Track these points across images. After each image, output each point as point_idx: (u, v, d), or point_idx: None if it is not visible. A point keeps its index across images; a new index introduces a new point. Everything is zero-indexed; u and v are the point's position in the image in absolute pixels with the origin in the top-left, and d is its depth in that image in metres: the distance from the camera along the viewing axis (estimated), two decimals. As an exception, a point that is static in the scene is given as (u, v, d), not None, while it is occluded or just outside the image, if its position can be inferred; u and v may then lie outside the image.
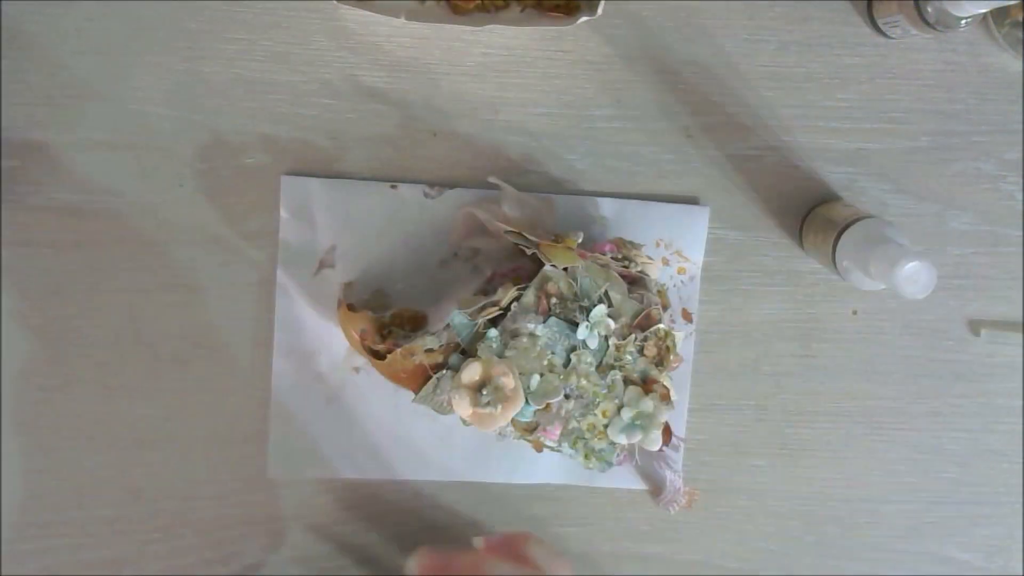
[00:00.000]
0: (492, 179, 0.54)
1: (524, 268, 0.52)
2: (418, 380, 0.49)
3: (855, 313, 0.58)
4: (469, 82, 0.55)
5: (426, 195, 0.55)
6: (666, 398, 0.50)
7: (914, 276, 0.44)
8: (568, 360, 0.49)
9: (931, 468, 0.59)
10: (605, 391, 0.49)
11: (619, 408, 0.49)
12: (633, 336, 0.50)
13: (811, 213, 0.56)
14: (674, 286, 0.57)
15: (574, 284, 0.49)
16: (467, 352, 0.49)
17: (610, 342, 0.49)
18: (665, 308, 0.53)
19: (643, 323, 0.50)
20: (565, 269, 0.49)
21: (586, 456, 0.50)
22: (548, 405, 0.49)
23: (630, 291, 0.51)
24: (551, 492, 0.57)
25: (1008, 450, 0.59)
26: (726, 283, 0.57)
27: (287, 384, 0.55)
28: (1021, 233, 0.58)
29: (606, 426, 0.49)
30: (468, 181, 0.55)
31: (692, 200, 0.57)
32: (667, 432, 0.51)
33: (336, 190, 0.54)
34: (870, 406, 0.58)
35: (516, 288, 0.49)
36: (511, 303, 0.49)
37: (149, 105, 0.54)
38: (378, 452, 0.56)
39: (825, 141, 0.57)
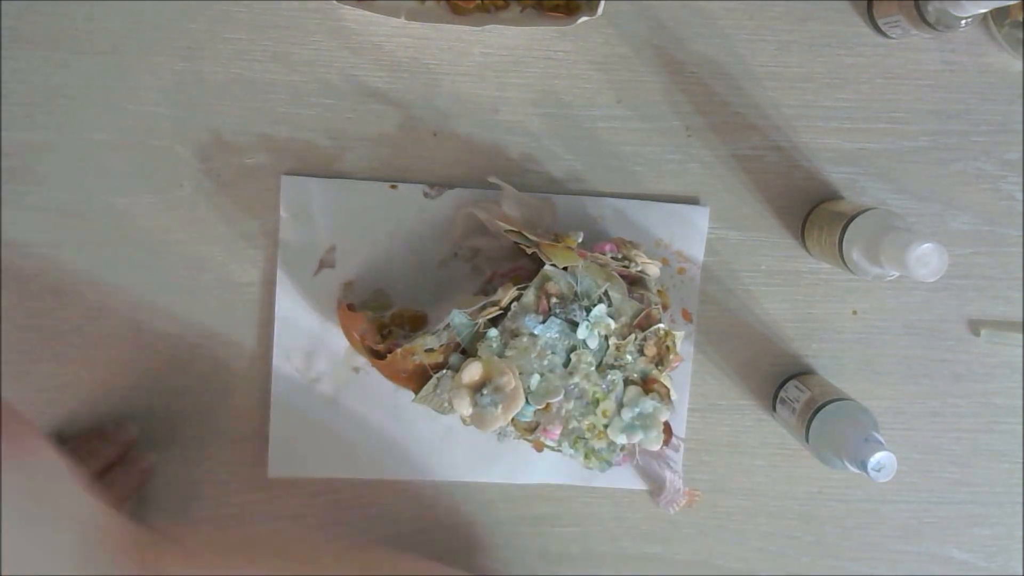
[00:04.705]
0: (492, 179, 0.54)
1: (524, 268, 0.52)
2: (418, 380, 0.49)
3: (855, 313, 0.58)
4: (469, 82, 0.55)
5: (426, 195, 0.55)
6: (666, 398, 0.50)
7: (926, 258, 0.45)
8: (568, 360, 0.49)
9: (931, 468, 0.59)
10: (605, 391, 0.49)
11: (619, 408, 0.49)
12: (633, 336, 0.50)
13: (815, 209, 0.56)
14: (674, 286, 0.57)
15: (574, 284, 0.49)
16: (467, 352, 0.49)
17: (610, 342, 0.49)
18: (665, 308, 0.53)
19: (643, 323, 0.50)
20: (565, 269, 0.49)
21: (586, 456, 0.50)
22: (548, 405, 0.49)
23: (630, 291, 0.51)
24: (551, 492, 0.57)
25: (1008, 450, 0.59)
26: (726, 283, 0.57)
27: (287, 384, 0.55)
28: (1021, 233, 0.58)
29: (606, 426, 0.49)
30: (468, 181, 0.55)
31: (692, 200, 0.57)
32: (667, 432, 0.51)
33: (336, 190, 0.54)
34: (870, 406, 0.58)
35: (516, 288, 0.49)
36: (511, 303, 0.49)
37: (149, 105, 0.54)
38: (378, 452, 0.56)
39: (825, 141, 0.57)
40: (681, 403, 0.57)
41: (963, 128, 0.57)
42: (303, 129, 0.55)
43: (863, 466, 0.47)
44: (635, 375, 0.50)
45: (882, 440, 0.48)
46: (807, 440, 0.52)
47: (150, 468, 0.53)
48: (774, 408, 0.57)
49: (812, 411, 0.52)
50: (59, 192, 0.54)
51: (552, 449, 0.51)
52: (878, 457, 0.47)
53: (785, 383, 0.57)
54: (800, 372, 0.58)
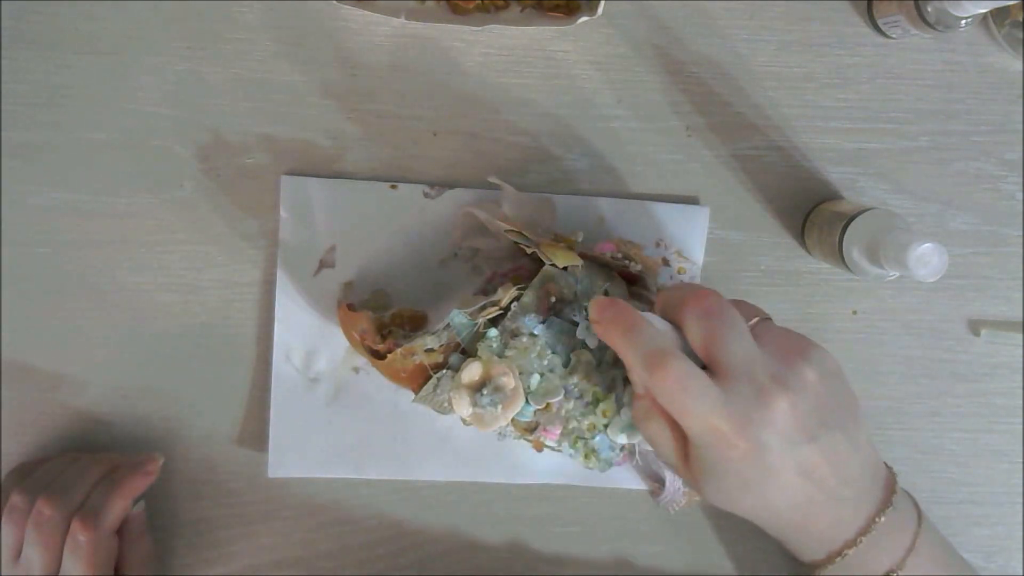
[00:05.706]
0: (492, 179, 0.54)
1: (524, 268, 0.52)
2: (418, 380, 0.49)
3: (855, 313, 0.58)
4: (469, 82, 0.55)
5: (426, 195, 0.55)
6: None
7: (926, 258, 0.45)
8: (568, 360, 0.49)
9: (931, 468, 0.59)
10: (605, 391, 0.49)
11: (619, 408, 0.49)
12: (633, 336, 0.50)
13: (815, 209, 0.56)
14: (674, 286, 0.57)
15: (574, 284, 0.49)
16: (467, 352, 0.49)
17: (610, 342, 0.49)
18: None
19: (643, 323, 0.50)
20: (565, 269, 0.49)
21: (586, 456, 0.50)
22: (548, 405, 0.49)
23: (630, 291, 0.51)
24: (551, 492, 0.57)
25: (1008, 450, 0.59)
26: (726, 283, 0.57)
27: (287, 384, 0.55)
28: (1021, 233, 0.58)
29: (606, 426, 0.49)
30: (468, 181, 0.55)
31: (692, 200, 0.57)
32: (667, 432, 0.51)
33: (336, 190, 0.54)
34: (870, 406, 0.58)
35: (516, 288, 0.49)
36: (511, 303, 0.49)
37: (149, 105, 0.54)
38: (378, 452, 0.56)
39: (825, 141, 0.57)
40: (681, 403, 0.57)
41: (963, 128, 0.57)
42: (303, 129, 0.55)
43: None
44: (635, 375, 0.50)
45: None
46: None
47: (155, 471, 0.52)
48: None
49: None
50: (59, 192, 0.54)
51: (552, 449, 0.51)
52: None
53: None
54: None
